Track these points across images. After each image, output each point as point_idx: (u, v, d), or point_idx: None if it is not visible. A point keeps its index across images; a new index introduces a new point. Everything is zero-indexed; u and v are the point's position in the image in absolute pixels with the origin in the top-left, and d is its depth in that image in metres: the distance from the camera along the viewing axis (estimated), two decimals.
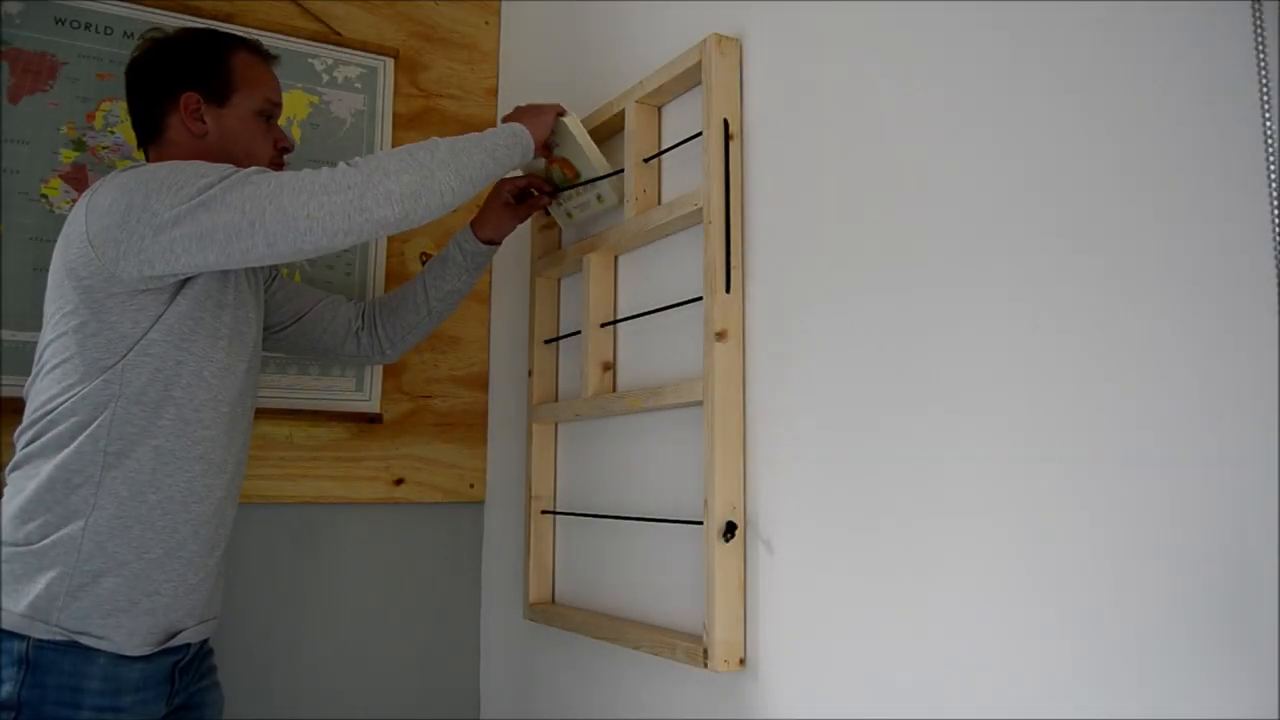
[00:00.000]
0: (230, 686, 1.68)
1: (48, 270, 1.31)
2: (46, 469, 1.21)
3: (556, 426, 1.75)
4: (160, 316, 1.25)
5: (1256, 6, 0.77)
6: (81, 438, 1.21)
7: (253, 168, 1.26)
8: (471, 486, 2.01)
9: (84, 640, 1.18)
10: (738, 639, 1.26)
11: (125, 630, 1.21)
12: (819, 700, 1.16)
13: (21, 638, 1.17)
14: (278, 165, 1.44)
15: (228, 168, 1.24)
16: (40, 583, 1.18)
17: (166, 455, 1.25)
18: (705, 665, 1.25)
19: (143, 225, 1.19)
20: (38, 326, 1.59)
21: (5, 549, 1.20)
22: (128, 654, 1.21)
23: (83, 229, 1.23)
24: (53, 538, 1.19)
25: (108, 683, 1.19)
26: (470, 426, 2.02)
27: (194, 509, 1.28)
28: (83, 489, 1.21)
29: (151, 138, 1.38)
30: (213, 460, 1.30)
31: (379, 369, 1.90)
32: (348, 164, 1.25)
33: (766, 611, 1.24)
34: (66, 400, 1.22)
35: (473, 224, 1.63)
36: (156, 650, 1.24)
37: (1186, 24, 0.84)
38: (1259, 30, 0.77)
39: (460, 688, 1.96)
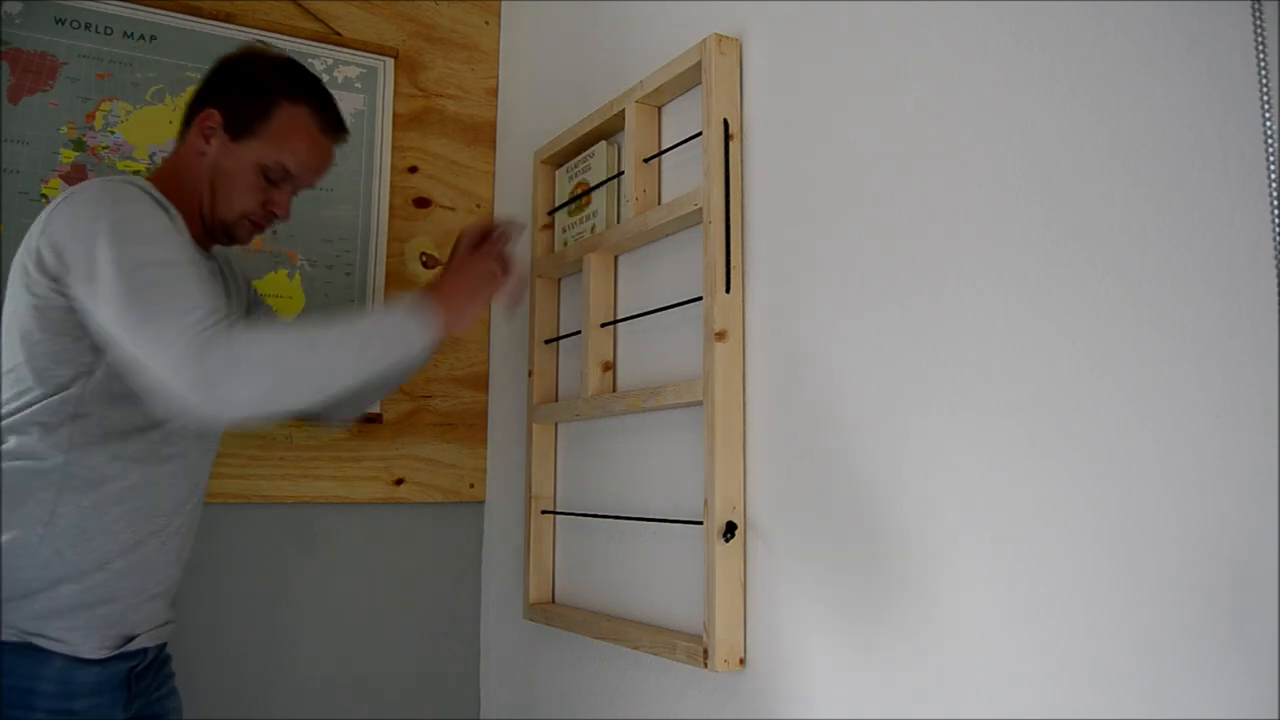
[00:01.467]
0: (229, 686, 1.68)
1: None
2: (2, 469, 1.16)
3: (556, 426, 1.75)
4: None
5: (1256, 6, 0.77)
6: (40, 445, 1.17)
7: (177, 318, 1.09)
8: (471, 486, 2.01)
9: (38, 641, 1.15)
10: (738, 639, 1.26)
11: (80, 633, 1.17)
12: (819, 700, 1.16)
13: None
14: (257, 223, 1.34)
15: (157, 286, 1.11)
16: None
17: (134, 469, 1.21)
18: (705, 665, 1.25)
19: (81, 284, 1.13)
20: None
21: None
22: (83, 656, 1.17)
23: (35, 247, 1.17)
24: (7, 540, 1.15)
25: (61, 685, 1.16)
26: (470, 426, 2.02)
27: (159, 520, 1.24)
28: (41, 493, 1.16)
29: (180, 134, 1.35)
30: (180, 473, 1.27)
31: None
32: (229, 344, 1.09)
33: (766, 611, 1.24)
34: (21, 406, 1.18)
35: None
36: (113, 654, 1.20)
37: (1186, 24, 0.84)
38: (1259, 30, 0.77)
39: (460, 688, 1.96)
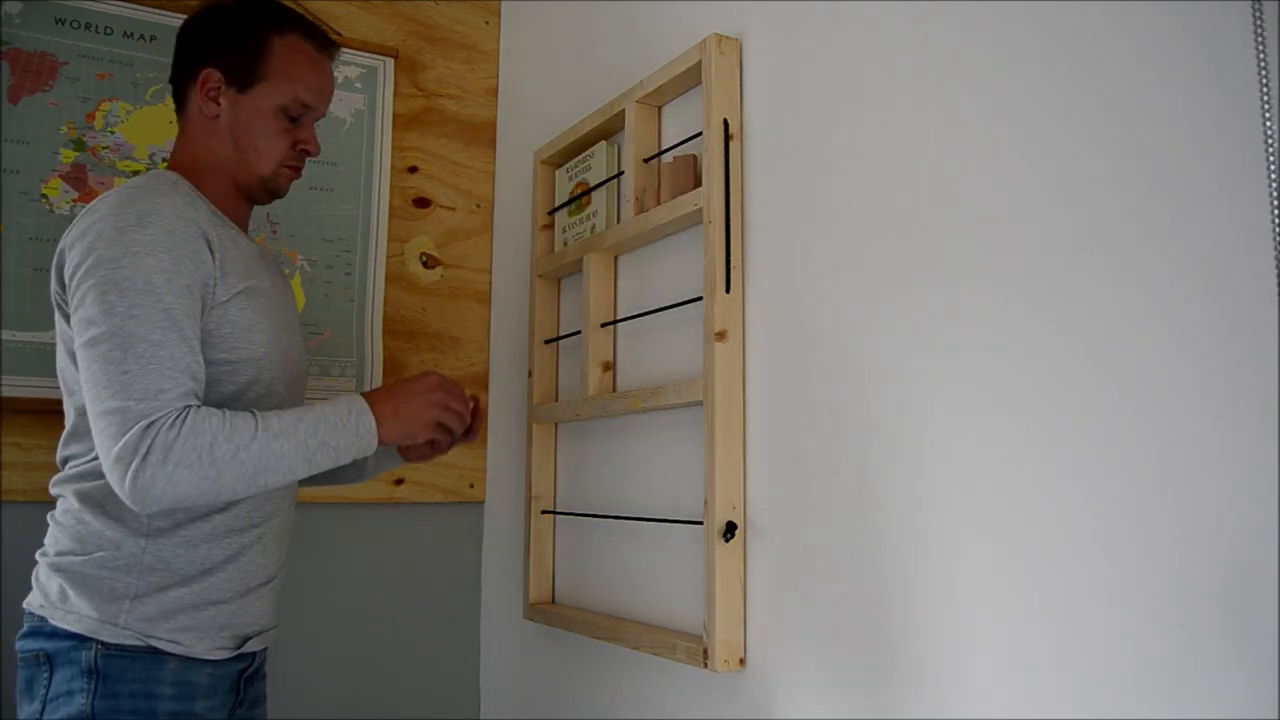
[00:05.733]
0: None
1: (48, 270, 1.28)
2: (99, 483, 1.14)
3: (556, 426, 1.75)
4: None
5: (1256, 6, 0.77)
6: None
7: (135, 401, 1.05)
8: (471, 486, 2.01)
9: (154, 644, 1.14)
10: (738, 639, 1.26)
11: (193, 634, 1.16)
12: (819, 700, 1.16)
13: (89, 643, 1.12)
14: (292, 168, 1.30)
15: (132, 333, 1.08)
16: (103, 590, 1.13)
17: None
18: (705, 665, 1.25)
19: (75, 318, 1.12)
20: (38, 326, 1.60)
21: (64, 559, 1.15)
22: (198, 657, 1.16)
23: (56, 264, 1.16)
24: (112, 551, 1.14)
25: (180, 687, 1.15)
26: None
27: (260, 522, 1.23)
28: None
29: (179, 110, 1.29)
30: None
31: (379, 368, 1.90)
32: (166, 448, 1.04)
33: (766, 611, 1.24)
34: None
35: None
36: (229, 656, 1.20)
37: (1186, 24, 0.84)
38: (1259, 30, 0.77)
39: (460, 688, 1.96)
